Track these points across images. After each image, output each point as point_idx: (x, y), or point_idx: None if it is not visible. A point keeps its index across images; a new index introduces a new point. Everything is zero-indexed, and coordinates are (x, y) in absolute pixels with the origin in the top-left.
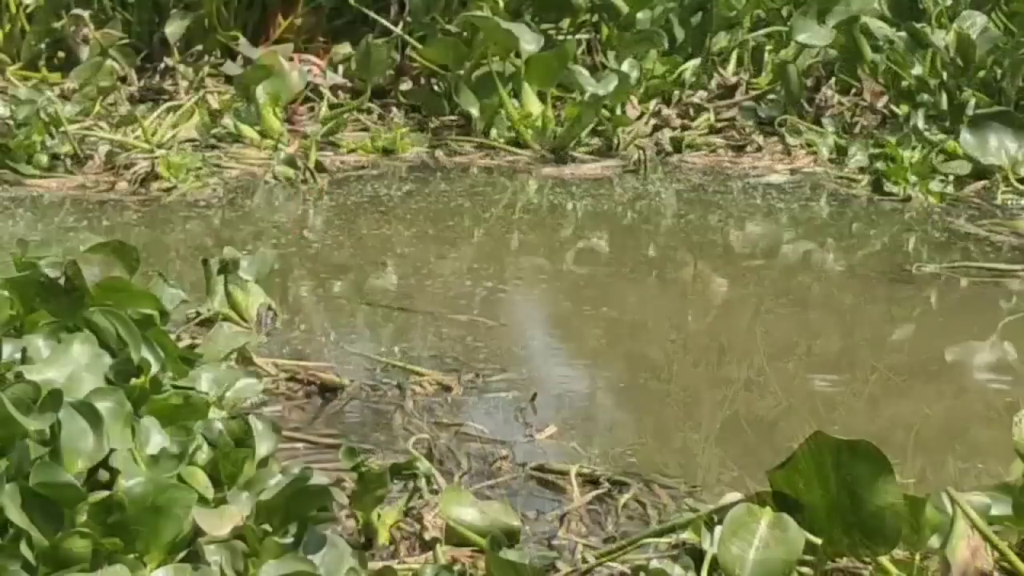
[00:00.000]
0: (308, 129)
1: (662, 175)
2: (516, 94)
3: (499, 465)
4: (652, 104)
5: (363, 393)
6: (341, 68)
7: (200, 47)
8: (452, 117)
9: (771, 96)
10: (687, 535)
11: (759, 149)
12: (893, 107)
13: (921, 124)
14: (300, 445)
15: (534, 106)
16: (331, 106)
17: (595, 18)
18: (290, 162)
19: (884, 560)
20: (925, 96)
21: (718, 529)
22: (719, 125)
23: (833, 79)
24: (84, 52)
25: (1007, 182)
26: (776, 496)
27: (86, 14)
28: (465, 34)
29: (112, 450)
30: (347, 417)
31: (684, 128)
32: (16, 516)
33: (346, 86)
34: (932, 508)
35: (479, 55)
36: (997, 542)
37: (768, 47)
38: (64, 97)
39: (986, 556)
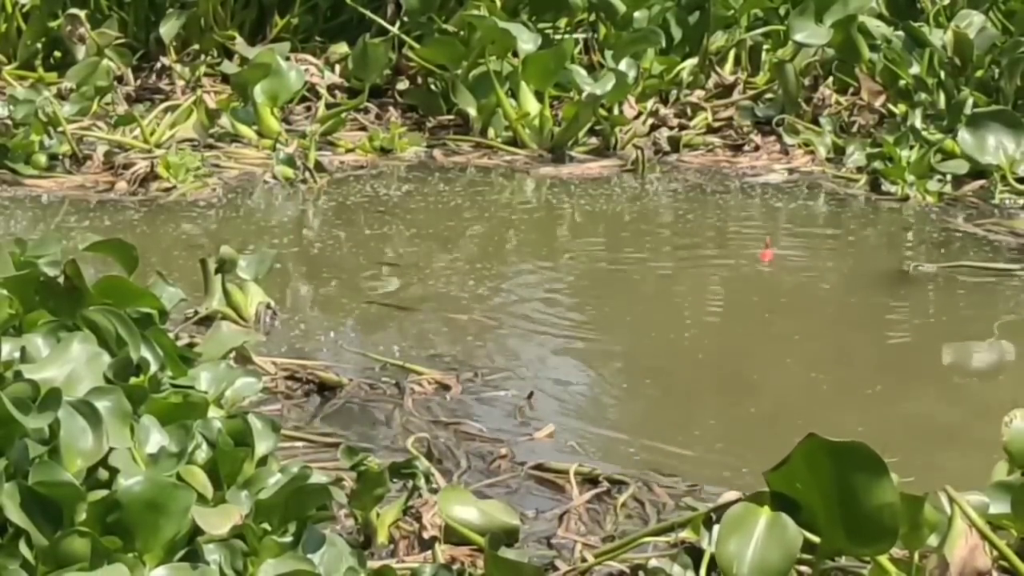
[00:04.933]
0: (307, 128)
1: (660, 174)
2: (514, 93)
3: (498, 464)
4: (649, 103)
5: (362, 392)
6: (338, 68)
7: (196, 46)
8: (450, 117)
9: (769, 95)
10: (686, 534)
11: (757, 148)
12: (891, 106)
13: (919, 123)
14: (299, 444)
15: (532, 105)
16: (328, 106)
17: (592, 17)
18: (289, 162)
19: (882, 559)
20: (923, 95)
21: (716, 528)
22: (717, 124)
23: (831, 78)
24: (80, 52)
25: (1005, 181)
26: (774, 496)
27: (82, 13)
28: (462, 33)
29: (111, 449)
30: (346, 416)
31: (682, 128)
32: (16, 515)
33: (343, 86)
34: (930, 507)
35: (476, 54)
36: (995, 540)
37: (766, 46)
38: (61, 97)
39: (984, 555)
